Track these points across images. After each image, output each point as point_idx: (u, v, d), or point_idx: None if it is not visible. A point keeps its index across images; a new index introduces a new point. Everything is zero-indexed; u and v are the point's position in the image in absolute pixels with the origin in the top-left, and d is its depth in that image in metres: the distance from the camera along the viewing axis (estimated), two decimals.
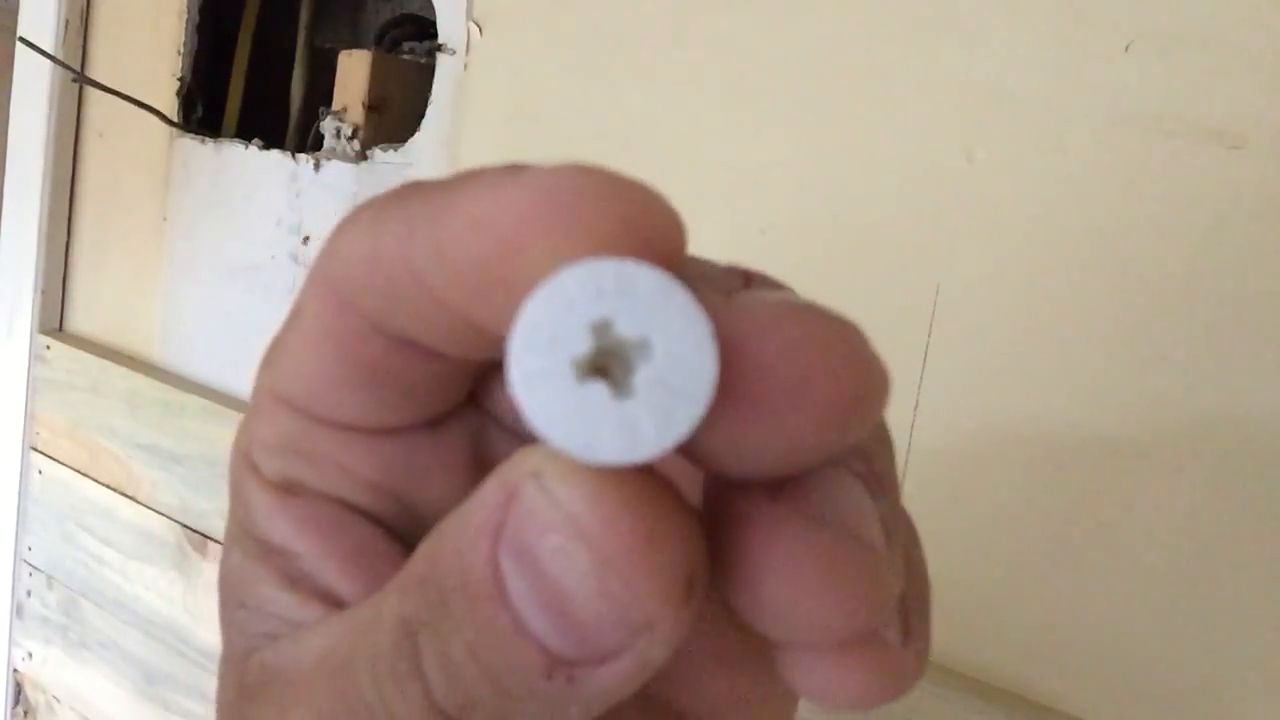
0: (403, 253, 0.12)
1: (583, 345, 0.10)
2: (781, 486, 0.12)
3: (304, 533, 0.15)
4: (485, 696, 0.11)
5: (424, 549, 0.12)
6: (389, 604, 0.13)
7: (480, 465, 0.16)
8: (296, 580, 0.15)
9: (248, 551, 0.16)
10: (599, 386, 0.10)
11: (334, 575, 0.15)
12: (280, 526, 0.15)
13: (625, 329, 0.10)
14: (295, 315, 0.14)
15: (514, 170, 0.11)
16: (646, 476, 0.11)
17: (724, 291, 0.12)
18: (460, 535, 0.11)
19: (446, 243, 0.11)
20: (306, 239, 0.63)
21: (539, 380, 0.10)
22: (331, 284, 0.14)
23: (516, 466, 0.11)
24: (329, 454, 0.15)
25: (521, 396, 0.10)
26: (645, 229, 0.11)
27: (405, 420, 0.15)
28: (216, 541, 0.66)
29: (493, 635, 0.11)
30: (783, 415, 0.11)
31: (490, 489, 0.11)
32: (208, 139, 0.69)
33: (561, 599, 0.11)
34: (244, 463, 0.16)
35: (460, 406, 0.16)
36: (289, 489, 0.15)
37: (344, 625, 0.14)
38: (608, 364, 0.10)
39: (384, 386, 0.14)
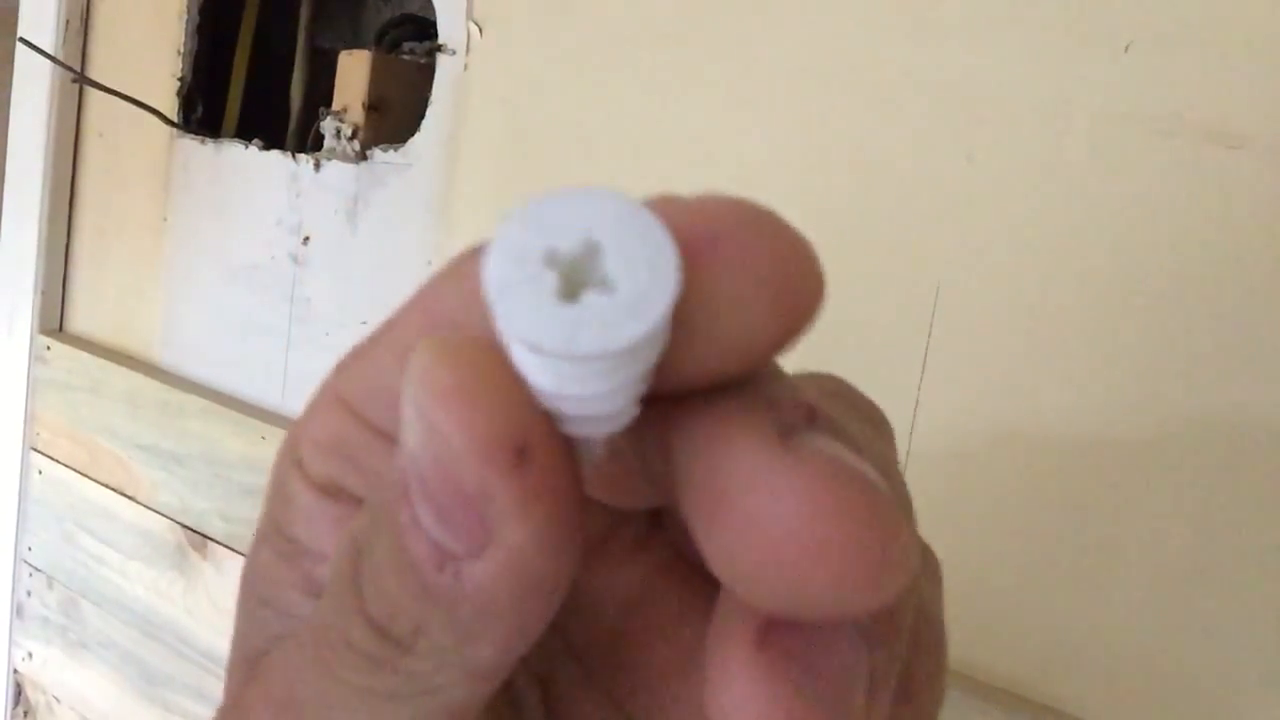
0: None
1: (568, 247, 0.11)
2: (775, 634, 0.12)
3: (338, 537, 0.15)
4: (404, 602, 0.12)
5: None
6: (342, 537, 0.13)
7: None
8: (321, 586, 0.15)
9: (278, 550, 0.15)
10: (557, 285, 0.10)
11: None
12: (315, 527, 0.15)
13: (612, 268, 0.11)
14: (387, 326, 0.14)
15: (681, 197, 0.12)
16: (505, 371, 0.11)
17: (782, 427, 0.11)
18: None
19: None
20: (306, 239, 0.63)
21: (512, 255, 0.11)
22: (435, 305, 0.14)
23: None
24: (378, 464, 0.15)
25: (491, 251, 0.11)
26: (792, 289, 0.11)
27: None
28: (217, 541, 0.66)
29: (401, 534, 0.12)
30: (797, 575, 0.11)
31: None
32: (208, 139, 0.69)
33: (419, 470, 0.11)
34: (290, 457, 0.16)
35: None
36: (331, 491, 0.15)
37: None
38: (584, 277, 0.11)
39: None
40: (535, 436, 0.11)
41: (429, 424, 0.11)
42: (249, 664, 0.15)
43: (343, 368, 0.15)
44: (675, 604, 0.15)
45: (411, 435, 0.11)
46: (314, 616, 0.14)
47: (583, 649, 0.16)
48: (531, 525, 0.11)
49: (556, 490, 0.11)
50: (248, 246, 0.67)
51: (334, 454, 0.15)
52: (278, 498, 0.16)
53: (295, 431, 0.16)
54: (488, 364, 0.11)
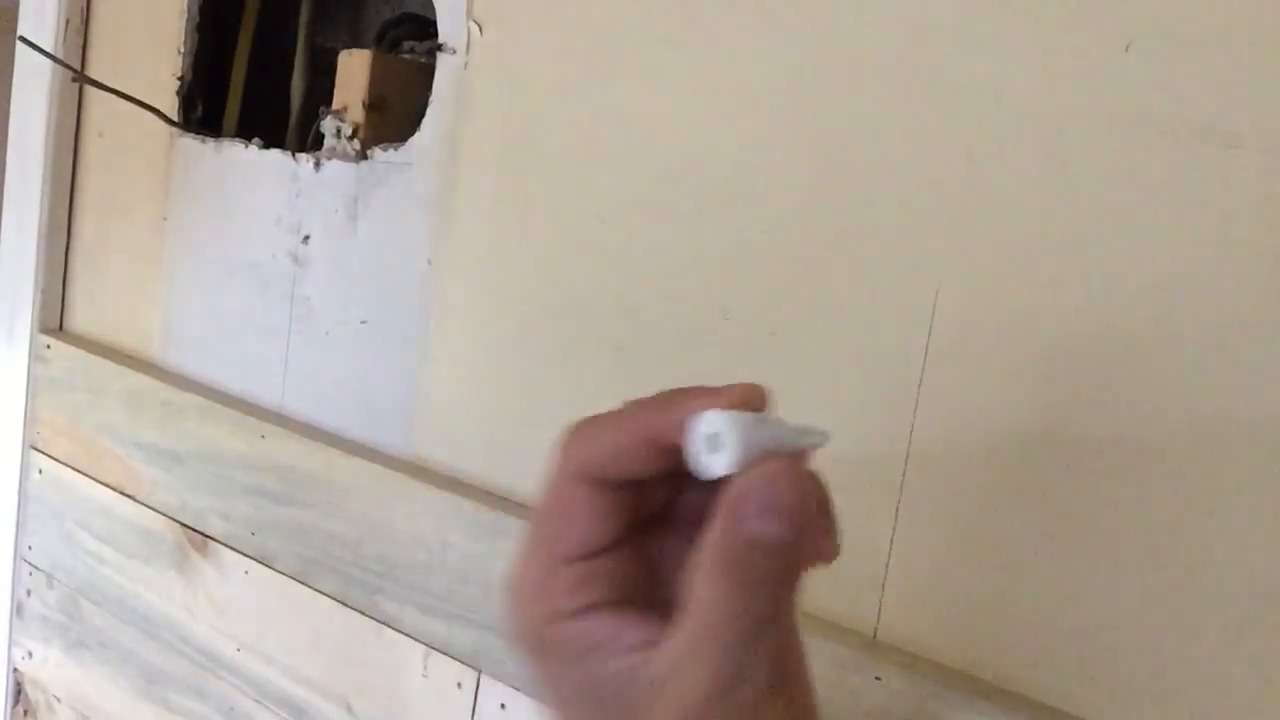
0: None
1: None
2: None
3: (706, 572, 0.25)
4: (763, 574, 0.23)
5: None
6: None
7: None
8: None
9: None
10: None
11: None
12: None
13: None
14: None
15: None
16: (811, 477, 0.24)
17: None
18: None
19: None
20: (306, 238, 0.63)
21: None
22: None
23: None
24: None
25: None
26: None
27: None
28: (216, 540, 0.66)
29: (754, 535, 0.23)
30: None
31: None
32: (208, 139, 0.69)
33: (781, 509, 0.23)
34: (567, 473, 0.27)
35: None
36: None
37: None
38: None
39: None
40: (820, 507, 0.24)
41: (799, 496, 0.23)
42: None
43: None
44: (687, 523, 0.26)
45: (769, 503, 0.22)
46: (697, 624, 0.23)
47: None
48: (821, 534, 0.24)
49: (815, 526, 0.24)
50: (248, 245, 0.67)
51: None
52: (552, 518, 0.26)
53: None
54: (810, 482, 0.23)
